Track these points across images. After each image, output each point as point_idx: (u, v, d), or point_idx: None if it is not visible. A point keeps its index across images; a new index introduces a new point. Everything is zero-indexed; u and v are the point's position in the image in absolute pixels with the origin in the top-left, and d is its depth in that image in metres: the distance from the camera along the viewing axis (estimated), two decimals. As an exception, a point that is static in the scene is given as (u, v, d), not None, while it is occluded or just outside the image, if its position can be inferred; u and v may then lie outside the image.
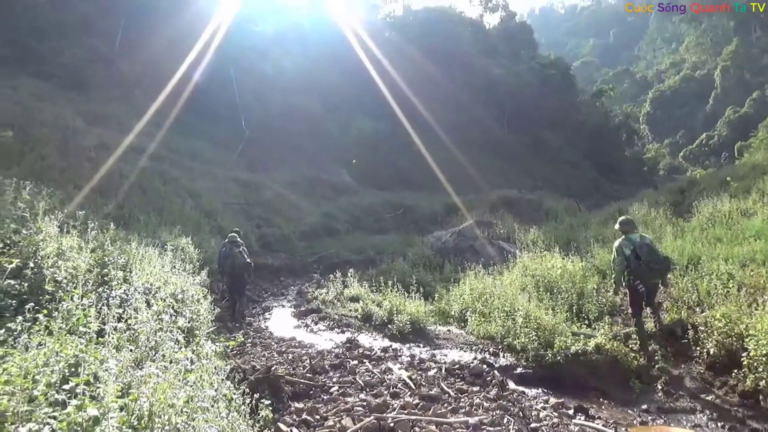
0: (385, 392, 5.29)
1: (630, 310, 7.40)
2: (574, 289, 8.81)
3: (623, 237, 7.21)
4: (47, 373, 2.64)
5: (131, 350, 3.84)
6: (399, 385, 5.50)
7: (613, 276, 7.71)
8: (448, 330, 8.96)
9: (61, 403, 2.50)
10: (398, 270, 13.30)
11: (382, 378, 5.76)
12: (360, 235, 24.25)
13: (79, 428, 2.20)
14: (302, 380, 5.64)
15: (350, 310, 10.16)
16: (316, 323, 9.60)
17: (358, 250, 19.74)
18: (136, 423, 2.39)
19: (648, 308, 7.19)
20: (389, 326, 8.65)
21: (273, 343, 7.52)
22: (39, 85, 22.56)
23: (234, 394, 3.90)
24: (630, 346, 6.70)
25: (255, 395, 4.81)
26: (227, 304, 11.75)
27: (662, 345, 6.91)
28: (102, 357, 3.26)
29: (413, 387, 5.44)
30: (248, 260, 10.61)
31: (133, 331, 4.16)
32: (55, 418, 2.37)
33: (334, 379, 5.79)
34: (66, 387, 2.60)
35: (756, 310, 6.34)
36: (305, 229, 24.19)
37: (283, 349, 7.11)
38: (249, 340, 7.68)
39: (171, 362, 3.94)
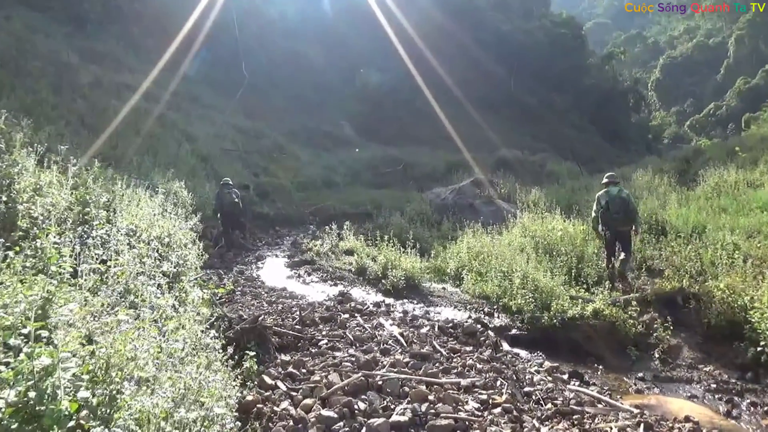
0: (376, 348, 5.11)
1: (605, 255, 8.20)
2: (573, 252, 8.60)
3: (603, 190, 8.11)
4: (3, 315, 2.39)
5: (108, 295, 3.60)
6: (390, 342, 5.32)
7: (591, 223, 8.49)
8: (443, 288, 8.79)
9: (15, 349, 2.27)
10: (395, 225, 13.09)
11: (372, 333, 5.59)
12: (359, 188, 23.97)
13: (29, 378, 1.97)
14: (291, 332, 5.46)
15: (344, 263, 9.97)
16: (309, 274, 9.42)
17: (356, 203, 19.48)
18: (94, 376, 2.16)
19: (622, 254, 7.89)
20: (383, 281, 8.46)
21: (263, 293, 7.33)
22: (34, 17, 21.68)
23: (216, 344, 3.69)
24: (629, 312, 6.51)
25: (240, 345, 4.65)
26: (219, 251, 11.60)
27: (661, 313, 6.73)
28: (72, 300, 3.01)
29: (404, 344, 5.26)
30: (236, 200, 12.05)
31: (112, 274, 3.90)
32: (7, 365, 2.14)
33: (324, 332, 5.61)
34: (24, 331, 2.36)
35: (762, 282, 6.13)
36: (303, 180, 23.90)
37: (273, 299, 6.93)
38: (239, 289, 7.49)
39: (152, 308, 3.74)
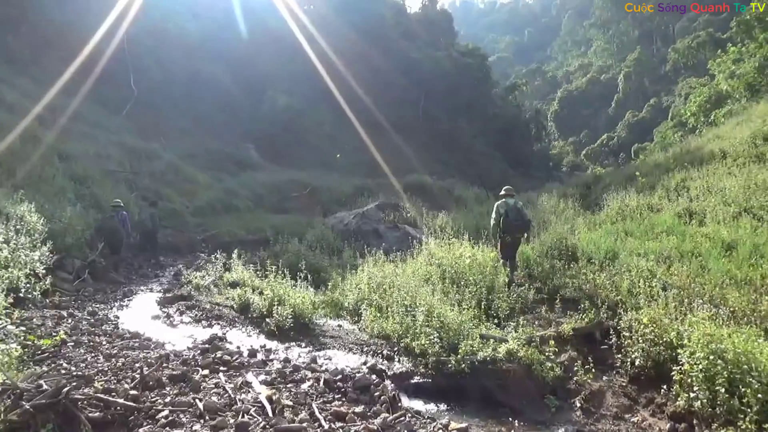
0: (231, 421, 3.83)
1: (500, 256, 8.79)
2: (483, 281, 7.77)
3: (503, 200, 8.86)
4: None
5: None
6: (253, 411, 4.05)
7: (491, 229, 9.04)
8: (339, 325, 7.64)
9: None
10: (292, 252, 11.82)
11: (233, 398, 4.28)
12: (261, 213, 22.56)
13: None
14: (121, 401, 4.06)
15: (227, 298, 8.52)
16: (181, 313, 7.90)
17: (256, 229, 18.03)
18: None
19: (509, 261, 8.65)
20: (268, 320, 7.16)
21: (105, 342, 5.75)
22: None
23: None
24: (546, 353, 5.68)
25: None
26: (77, 286, 9.77)
27: (580, 351, 5.98)
28: None
29: (271, 413, 4.02)
30: (117, 225, 12.18)
31: None
32: None
33: (168, 399, 4.24)
34: None
35: (689, 315, 5.51)
36: (201, 205, 22.10)
37: (115, 351, 5.39)
38: (77, 336, 5.88)
39: None
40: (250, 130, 37.48)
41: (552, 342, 5.87)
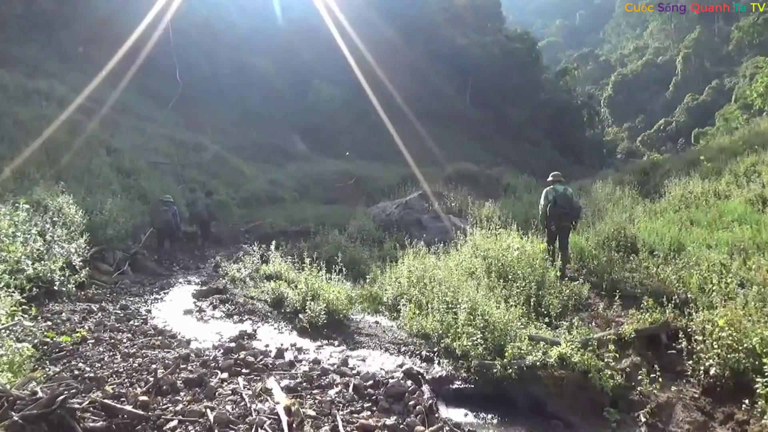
0: (243, 437, 3.42)
1: (548, 246, 8.35)
2: (533, 276, 7.09)
3: (551, 186, 8.53)
4: None
5: None
6: (268, 424, 3.59)
7: (539, 217, 8.80)
8: (376, 322, 7.16)
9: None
10: (332, 244, 11.42)
11: (248, 408, 3.85)
12: (306, 204, 22.38)
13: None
14: (128, 408, 3.70)
15: (261, 292, 8.17)
16: (214, 307, 7.61)
17: (299, 220, 17.77)
18: None
19: (560, 251, 8.15)
20: (300, 316, 6.76)
21: (125, 340, 5.47)
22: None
23: None
24: (605, 358, 4.99)
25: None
26: (116, 278, 9.68)
27: (644, 356, 5.26)
28: None
29: (287, 429, 3.56)
30: (170, 218, 12.41)
31: None
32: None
33: (179, 407, 3.85)
34: None
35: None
36: (246, 196, 22.13)
37: (134, 350, 5.09)
38: (99, 333, 5.62)
39: None
40: (295, 120, 37.57)
41: (611, 345, 5.17)
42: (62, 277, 7.43)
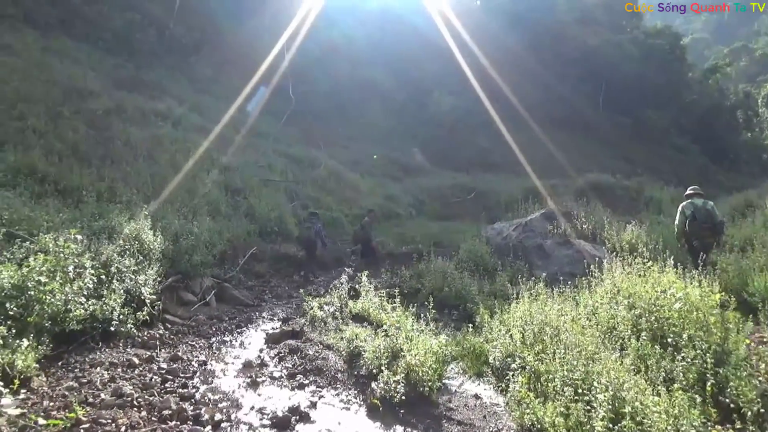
0: None
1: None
2: (707, 342, 4.80)
3: (689, 201, 8.28)
4: None
5: None
6: None
7: (675, 234, 8.40)
8: (476, 396, 5.32)
9: None
10: (437, 272, 9.69)
11: None
12: (421, 221, 21.06)
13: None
14: None
15: (338, 339, 6.67)
16: (280, 360, 6.23)
17: (410, 239, 16.30)
18: None
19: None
20: (373, 384, 5.12)
21: (133, 423, 4.19)
22: (79, 47, 20.80)
23: None
24: None
25: None
26: (194, 312, 8.77)
27: None
28: None
29: None
30: (313, 236, 12.90)
31: None
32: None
33: None
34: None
35: None
36: (360, 213, 21.12)
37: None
38: (104, 411, 4.36)
39: None
40: (416, 133, 36.71)
41: None
42: (121, 316, 6.55)
